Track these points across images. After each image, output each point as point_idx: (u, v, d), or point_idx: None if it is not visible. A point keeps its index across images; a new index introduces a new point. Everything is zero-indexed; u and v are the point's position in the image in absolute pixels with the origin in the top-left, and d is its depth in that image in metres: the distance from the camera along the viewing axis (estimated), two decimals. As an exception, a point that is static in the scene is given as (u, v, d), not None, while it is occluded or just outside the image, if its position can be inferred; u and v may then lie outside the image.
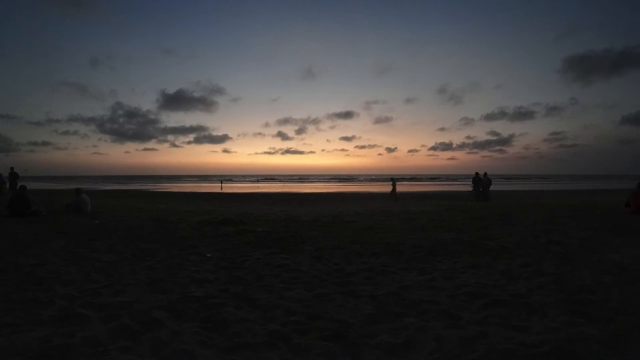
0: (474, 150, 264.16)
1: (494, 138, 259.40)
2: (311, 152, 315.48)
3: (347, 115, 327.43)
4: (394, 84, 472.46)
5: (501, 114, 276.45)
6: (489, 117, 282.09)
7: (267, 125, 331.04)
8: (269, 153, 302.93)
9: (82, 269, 4.46)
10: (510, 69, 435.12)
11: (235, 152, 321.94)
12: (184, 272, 4.36)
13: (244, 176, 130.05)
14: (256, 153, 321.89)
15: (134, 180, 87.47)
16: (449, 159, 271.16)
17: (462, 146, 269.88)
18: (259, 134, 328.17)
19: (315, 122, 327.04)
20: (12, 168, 16.54)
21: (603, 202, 13.91)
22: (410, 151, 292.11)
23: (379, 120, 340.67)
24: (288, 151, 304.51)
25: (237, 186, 52.82)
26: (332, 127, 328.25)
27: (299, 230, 7.68)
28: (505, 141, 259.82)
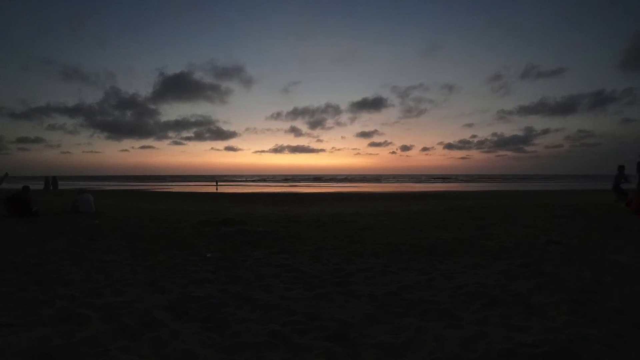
0: (493, 149, 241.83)
1: (522, 135, 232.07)
2: (322, 149, 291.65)
3: (375, 104, 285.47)
4: (438, 69, 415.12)
5: (542, 106, 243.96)
6: (528, 110, 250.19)
7: (279, 115, 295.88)
8: (276, 151, 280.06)
9: (82, 269, 4.46)
10: (576, 53, 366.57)
11: (241, 149, 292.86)
12: (184, 272, 4.36)
13: (244, 177, 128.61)
14: (262, 151, 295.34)
15: (132, 181, 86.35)
16: (462, 158, 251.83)
17: (481, 144, 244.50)
18: (268, 129, 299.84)
19: (336, 112, 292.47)
20: (54, 177, 18.52)
21: (604, 201, 13.90)
22: (424, 149, 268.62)
23: (408, 112, 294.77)
24: (297, 149, 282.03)
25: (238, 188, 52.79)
26: (353, 120, 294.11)
27: (299, 230, 7.68)
28: (533, 138, 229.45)
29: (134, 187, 47.62)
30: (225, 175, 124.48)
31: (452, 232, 7.34)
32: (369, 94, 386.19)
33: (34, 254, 5.24)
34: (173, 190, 38.49)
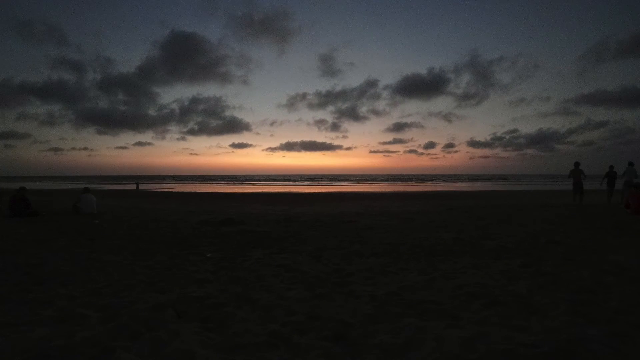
0: (520, 147, 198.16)
1: (565, 130, 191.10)
2: (338, 146, 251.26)
3: (431, 85, 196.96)
4: (537, 37, 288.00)
5: (617, 95, 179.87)
6: (596, 100, 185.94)
7: (303, 98, 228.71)
8: (288, 148, 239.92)
9: (82, 269, 4.46)
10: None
11: (251, 145, 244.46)
12: (184, 272, 4.36)
13: (247, 177, 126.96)
14: (274, 148, 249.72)
15: (130, 181, 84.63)
16: (482, 157, 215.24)
17: (513, 140, 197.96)
18: (286, 120, 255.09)
19: (374, 97, 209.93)
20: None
21: (604, 202, 13.89)
22: (447, 146, 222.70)
23: (469, 98, 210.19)
24: (311, 146, 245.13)
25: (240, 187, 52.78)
26: (394, 106, 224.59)
27: (299, 230, 7.68)
28: (571, 135, 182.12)
29: (134, 187, 47.59)
30: (231, 176, 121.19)
31: (452, 232, 7.34)
32: (440, 63, 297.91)
33: (34, 254, 5.24)
34: (173, 190, 38.49)
